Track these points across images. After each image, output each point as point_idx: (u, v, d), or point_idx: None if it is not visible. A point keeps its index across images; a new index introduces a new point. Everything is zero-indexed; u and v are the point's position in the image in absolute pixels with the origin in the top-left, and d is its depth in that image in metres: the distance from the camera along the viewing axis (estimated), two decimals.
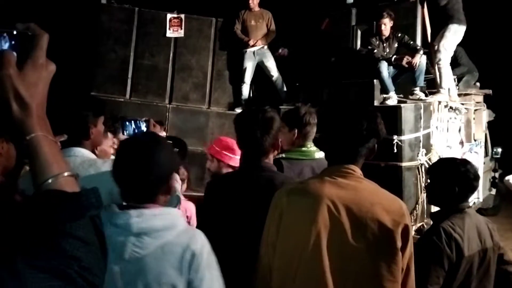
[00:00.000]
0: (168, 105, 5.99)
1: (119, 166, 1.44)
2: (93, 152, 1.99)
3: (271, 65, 6.12)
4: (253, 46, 5.96)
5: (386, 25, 5.14)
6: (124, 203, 1.43)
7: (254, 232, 1.74)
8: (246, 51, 6.02)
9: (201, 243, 1.41)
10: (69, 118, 1.94)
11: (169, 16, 6.04)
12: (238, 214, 1.91)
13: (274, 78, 6.14)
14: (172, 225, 1.40)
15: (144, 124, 2.61)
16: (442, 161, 2.69)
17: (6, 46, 0.72)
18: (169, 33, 6.05)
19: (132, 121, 2.57)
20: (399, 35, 5.22)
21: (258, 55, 6.07)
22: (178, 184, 2.34)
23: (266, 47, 6.08)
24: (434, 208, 4.84)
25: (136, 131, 2.51)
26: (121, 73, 6.02)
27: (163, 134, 5.00)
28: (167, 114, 5.90)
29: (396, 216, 1.47)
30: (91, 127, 1.94)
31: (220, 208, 1.99)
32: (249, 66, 6.06)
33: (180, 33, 6.05)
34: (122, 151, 1.48)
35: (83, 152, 1.90)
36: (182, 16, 6.06)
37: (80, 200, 0.71)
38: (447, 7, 5.10)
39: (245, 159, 2.05)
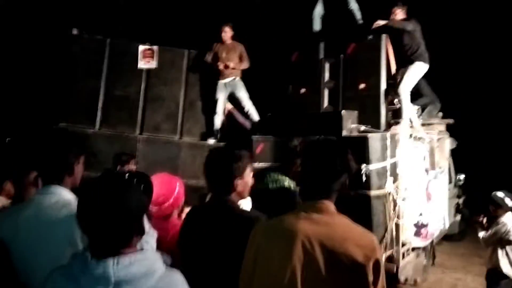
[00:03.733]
0: (138, 136, 5.95)
1: (85, 215, 1.34)
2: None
3: (243, 95, 6.23)
4: (224, 68, 6.02)
5: None
6: (97, 250, 1.35)
7: (223, 266, 1.84)
8: (218, 83, 6.11)
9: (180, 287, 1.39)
10: (50, 153, 1.86)
11: (141, 47, 6.09)
12: (207, 249, 1.98)
13: (246, 109, 6.24)
14: (150, 270, 1.34)
15: None
16: None
17: None
18: (141, 64, 6.09)
19: None
20: None
21: (230, 86, 6.17)
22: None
23: (238, 78, 6.19)
24: (404, 236, 4.97)
25: None
26: (91, 104, 5.96)
27: (134, 167, 4.96)
28: (137, 145, 5.85)
29: (368, 250, 1.51)
30: (75, 163, 1.89)
31: (191, 243, 2.06)
32: (221, 97, 6.15)
33: (153, 64, 6.09)
34: (84, 199, 1.37)
35: (61, 191, 1.84)
36: (155, 47, 6.12)
37: None
38: (413, 45, 5.49)
39: (214, 195, 2.11)
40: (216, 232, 1.98)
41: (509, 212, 4.63)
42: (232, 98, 6.25)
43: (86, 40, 6.09)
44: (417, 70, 5.60)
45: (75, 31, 6.06)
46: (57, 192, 1.84)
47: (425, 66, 5.62)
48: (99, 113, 5.98)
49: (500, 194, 4.73)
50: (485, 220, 4.86)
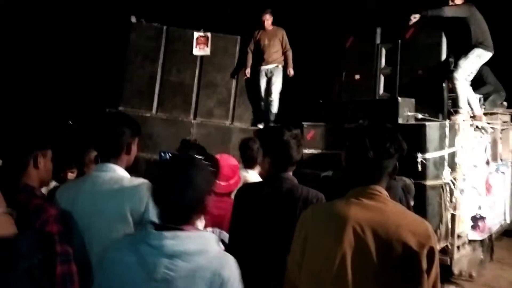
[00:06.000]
0: (192, 121, 6.12)
1: (159, 187, 1.45)
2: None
3: (276, 85, 6.20)
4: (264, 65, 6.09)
5: None
6: (160, 223, 1.44)
7: (276, 240, 1.95)
8: (260, 69, 6.16)
9: (231, 270, 1.41)
10: (107, 133, 1.96)
11: (196, 34, 6.23)
12: (262, 223, 2.09)
13: (270, 98, 6.20)
14: (205, 249, 1.40)
15: None
16: None
17: None
18: (196, 51, 6.23)
19: (168, 154, 2.74)
20: None
21: (270, 73, 6.20)
22: None
23: (280, 66, 6.21)
24: (459, 228, 4.77)
25: None
26: (148, 89, 6.20)
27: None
28: (192, 129, 6.03)
29: (422, 238, 1.46)
30: (131, 143, 1.98)
31: (245, 217, 2.17)
32: (263, 84, 6.20)
33: (206, 51, 6.21)
34: (162, 172, 1.48)
35: (115, 169, 1.93)
36: (209, 34, 6.23)
37: (11, 249, 0.60)
38: (473, 32, 5.17)
39: (272, 170, 2.19)
40: (272, 205, 2.06)
41: None
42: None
43: (144, 27, 6.32)
44: (476, 58, 5.25)
45: (133, 19, 6.29)
46: (112, 169, 1.93)
47: (486, 54, 5.25)
48: (155, 98, 6.20)
49: None
50: None
